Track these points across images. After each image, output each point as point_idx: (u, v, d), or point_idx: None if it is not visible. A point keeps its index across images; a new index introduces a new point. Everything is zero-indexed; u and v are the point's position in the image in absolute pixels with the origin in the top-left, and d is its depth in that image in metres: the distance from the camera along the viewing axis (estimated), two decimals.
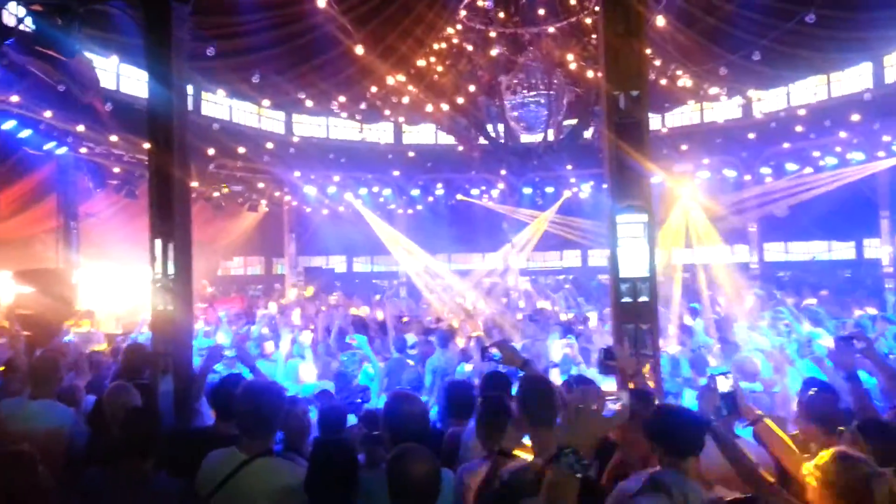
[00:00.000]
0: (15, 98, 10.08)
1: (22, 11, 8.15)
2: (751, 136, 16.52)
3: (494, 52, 13.76)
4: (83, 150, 12.83)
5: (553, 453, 1.72)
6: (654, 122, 18.04)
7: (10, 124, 10.27)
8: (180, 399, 4.54)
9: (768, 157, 16.79)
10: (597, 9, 9.46)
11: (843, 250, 21.11)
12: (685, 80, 13.72)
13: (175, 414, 4.43)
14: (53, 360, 4.44)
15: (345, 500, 2.75)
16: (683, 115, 18.76)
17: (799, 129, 15.48)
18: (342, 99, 14.38)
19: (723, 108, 18.06)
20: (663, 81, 13.69)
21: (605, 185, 5.92)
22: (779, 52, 11.71)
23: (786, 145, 16.17)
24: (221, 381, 4.15)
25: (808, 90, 16.67)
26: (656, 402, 3.48)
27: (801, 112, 15.69)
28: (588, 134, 15.91)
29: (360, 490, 2.81)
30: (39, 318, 8.63)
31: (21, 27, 7.93)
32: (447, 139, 18.53)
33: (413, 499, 2.51)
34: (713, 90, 14.47)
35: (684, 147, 17.07)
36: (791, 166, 16.49)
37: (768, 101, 16.94)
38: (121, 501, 3.05)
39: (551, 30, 13.46)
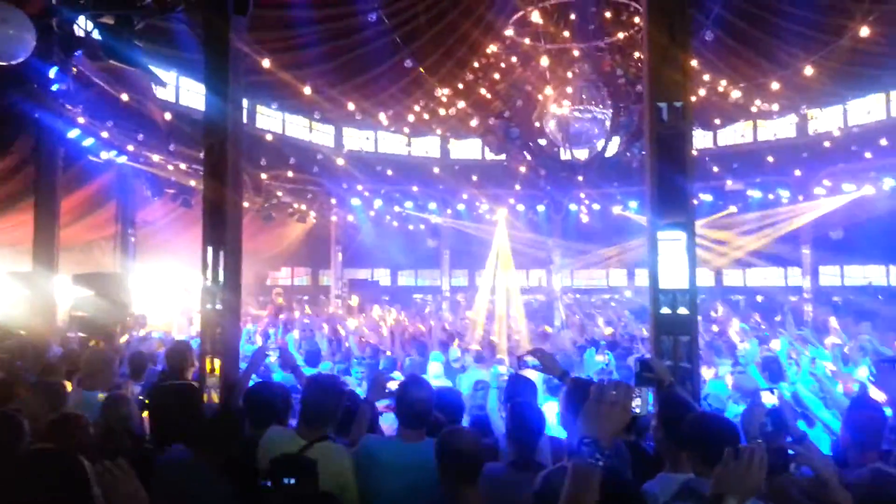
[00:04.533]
0: (80, 108, 10.57)
1: (90, 25, 8.60)
2: (804, 155, 16.13)
3: (543, 66, 13.80)
4: (142, 159, 13.33)
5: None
6: (706, 139, 17.78)
7: (74, 133, 10.75)
8: (225, 402, 4.68)
9: (823, 176, 16.34)
10: None
11: None
12: (736, 96, 13.52)
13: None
14: (104, 355, 4.63)
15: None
16: (735, 134, 18.44)
17: (854, 148, 15.05)
18: (390, 112, 14.62)
19: (776, 127, 17.70)
20: (714, 98, 13.53)
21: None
22: (832, 67, 11.46)
23: (841, 165, 15.72)
24: (256, 387, 4.27)
25: (864, 108, 16.22)
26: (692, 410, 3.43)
27: (856, 131, 15.26)
28: (634, 152, 15.78)
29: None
30: (95, 320, 9.00)
31: (90, 38, 8.36)
32: (493, 155, 18.63)
33: (461, 470, 2.78)
34: (765, 107, 14.20)
35: (735, 165, 16.76)
36: (848, 186, 16.02)
37: (823, 119, 16.53)
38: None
39: (602, 44, 13.45)
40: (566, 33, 13.53)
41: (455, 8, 11.71)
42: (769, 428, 3.15)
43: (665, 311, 4.64)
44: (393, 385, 4.28)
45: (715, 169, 16.27)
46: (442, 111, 14.64)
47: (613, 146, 15.33)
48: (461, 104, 14.26)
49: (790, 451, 2.79)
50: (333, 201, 18.87)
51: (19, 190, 11.55)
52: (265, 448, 3.29)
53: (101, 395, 4.35)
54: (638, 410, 1.86)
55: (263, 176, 15.82)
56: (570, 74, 14.04)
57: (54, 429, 3.22)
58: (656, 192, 4.92)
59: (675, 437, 2.97)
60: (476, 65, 13.54)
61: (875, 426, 3.33)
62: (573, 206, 19.78)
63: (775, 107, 14.24)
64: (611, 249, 19.91)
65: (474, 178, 19.15)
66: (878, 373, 3.77)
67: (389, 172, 18.28)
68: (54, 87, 9.50)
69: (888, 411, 3.65)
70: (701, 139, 16.82)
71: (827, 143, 15.80)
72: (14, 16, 4.43)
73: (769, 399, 3.28)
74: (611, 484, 1.84)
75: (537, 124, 15.37)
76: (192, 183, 14.38)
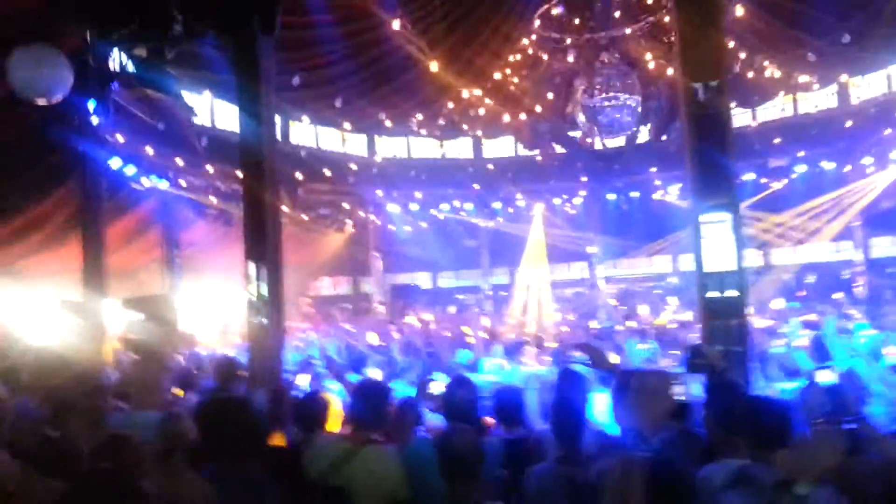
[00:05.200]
0: (120, 138, 10.86)
1: (124, 58, 8.84)
2: (848, 124, 15.61)
3: (571, 58, 13.68)
4: (182, 182, 13.64)
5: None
6: (745, 117, 17.33)
7: (116, 162, 11.05)
8: (272, 412, 4.73)
9: (869, 145, 15.79)
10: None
11: None
12: (773, 71, 13.17)
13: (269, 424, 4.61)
14: (155, 373, 4.73)
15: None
16: (775, 109, 17.93)
17: None
18: (420, 117, 14.66)
19: (817, 98, 17.16)
20: (750, 74, 13.20)
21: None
22: (871, 33, 11.06)
23: (888, 132, 15.16)
24: (303, 396, 4.32)
25: None
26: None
27: None
28: (671, 137, 15.52)
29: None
30: (147, 342, 9.19)
31: (124, 72, 8.59)
32: (526, 151, 18.50)
33: (461, 471, 2.76)
34: (803, 79, 13.79)
35: (777, 140, 16.30)
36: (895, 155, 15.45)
37: (866, 87, 15.98)
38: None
39: (628, 31, 13.27)
40: (591, 23, 13.41)
41: (480, 4, 11.67)
42: (829, 408, 3.05)
43: (712, 294, 4.54)
44: (436, 386, 4.30)
45: (756, 147, 15.87)
46: (472, 112, 14.62)
47: (646, 132, 15.10)
48: (489, 102, 14.22)
49: (858, 433, 2.68)
50: (370, 209, 19.00)
51: (66, 221, 11.91)
52: (313, 454, 3.37)
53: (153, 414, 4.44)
54: (683, 397, 1.80)
55: (300, 190, 16.02)
56: (597, 64, 13.89)
57: (103, 451, 3.28)
58: (697, 174, 4.83)
59: (729, 422, 2.89)
60: (503, 61, 13.48)
61: None
62: (611, 196, 19.54)
63: (815, 78, 13.82)
64: (656, 244, 19.58)
65: (509, 174, 19.07)
66: None
67: (423, 177, 18.33)
68: (94, 120, 9.82)
69: None
70: (739, 117, 16.41)
71: (872, 110, 15.27)
72: (51, 56, 4.57)
73: (827, 377, 3.16)
74: (661, 473, 1.79)
75: (569, 115, 15.26)
76: (232, 202, 14.65)
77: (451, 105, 14.34)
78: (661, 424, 1.75)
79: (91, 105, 9.19)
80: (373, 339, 10.55)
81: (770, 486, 1.88)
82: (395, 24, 10.51)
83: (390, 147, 19.31)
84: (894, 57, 13.86)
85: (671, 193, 18.86)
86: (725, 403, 2.98)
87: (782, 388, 5.29)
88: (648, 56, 13.34)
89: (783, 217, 16.96)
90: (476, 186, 19.01)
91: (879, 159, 15.73)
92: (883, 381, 4.81)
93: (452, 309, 18.55)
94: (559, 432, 3.23)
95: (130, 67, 8.95)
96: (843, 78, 14.63)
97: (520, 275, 19.74)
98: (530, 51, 13.94)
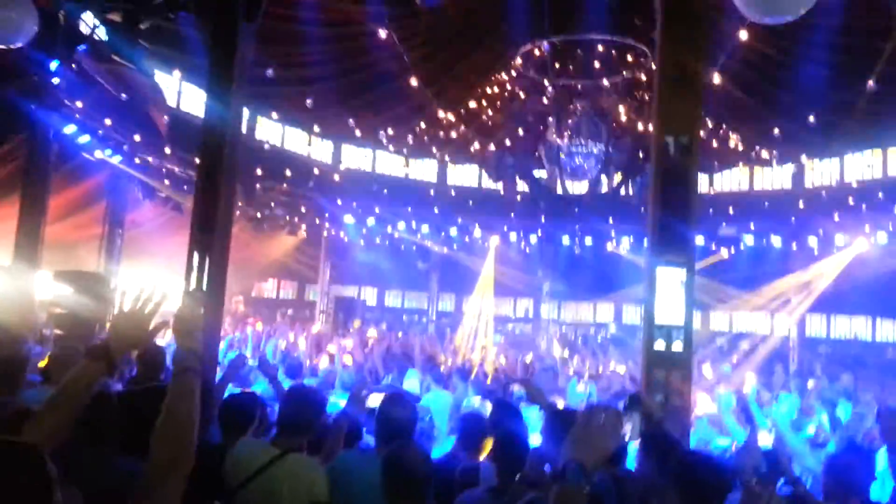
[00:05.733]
0: (79, 104, 10.46)
1: (97, 23, 8.55)
2: (801, 205, 16.22)
3: (546, 100, 13.89)
4: (137, 160, 13.21)
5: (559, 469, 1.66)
6: (703, 183, 17.87)
7: (70, 129, 10.62)
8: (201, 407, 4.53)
9: (817, 227, 16.42)
10: (653, 66, 9.50)
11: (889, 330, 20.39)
12: (736, 142, 13.62)
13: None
14: (71, 352, 4.48)
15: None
16: (732, 180, 18.54)
17: (850, 201, 15.14)
18: (391, 132, 14.62)
19: (773, 175, 17.81)
20: (714, 143, 13.61)
21: (646, 241, 5.80)
22: (832, 121, 11.56)
23: (836, 218, 15.81)
24: (232, 397, 4.14)
25: (861, 164, 16.36)
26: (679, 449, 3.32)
27: (854, 185, 15.38)
28: (631, 190, 15.85)
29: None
30: (73, 318, 8.79)
31: (94, 36, 8.29)
32: (490, 183, 18.64)
33: (409, 493, 2.69)
34: (764, 154, 14.30)
35: (731, 210, 16.82)
36: (840, 239, 16.10)
37: (819, 174, 16.67)
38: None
39: (605, 82, 13.55)
40: (570, 69, 13.65)
41: (466, 34, 11.76)
42: (764, 469, 3.05)
43: (659, 345, 4.56)
44: (374, 400, 4.18)
45: (710, 212, 16.33)
46: (442, 133, 14.66)
47: (607, 183, 15.39)
48: (462, 128, 14.30)
49: (795, 496, 2.68)
50: (326, 216, 18.75)
51: (6, 183, 11.38)
52: (235, 457, 3.21)
53: None
54: (627, 437, 1.76)
55: (258, 186, 15.71)
56: (570, 108, 14.15)
57: (10, 424, 3.07)
58: (658, 227, 4.86)
59: (663, 472, 2.86)
60: (481, 92, 13.60)
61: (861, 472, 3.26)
62: (566, 240, 19.79)
63: (774, 154, 14.35)
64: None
65: (470, 203, 19.14)
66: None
67: (385, 192, 18.22)
68: (55, 81, 9.43)
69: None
70: (698, 183, 16.88)
71: (823, 194, 15.92)
72: (17, 0, 4.35)
73: (763, 439, 3.18)
74: None
75: (536, 154, 15.45)
76: (185, 188, 14.27)
77: (423, 125, 14.35)
78: (601, 463, 1.69)
79: (53, 65, 8.85)
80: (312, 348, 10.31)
81: None
82: (382, 34, 10.46)
83: (355, 158, 19.17)
84: (849, 147, 14.51)
85: (623, 246, 19.23)
86: (661, 453, 2.96)
87: (715, 445, 5.35)
88: (621, 109, 13.64)
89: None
90: (436, 210, 19.00)
91: (825, 242, 16.37)
92: (802, 451, 4.92)
93: (383, 327, 18.35)
94: (500, 462, 3.16)
95: (102, 34, 8.66)
96: (803, 158, 15.21)
97: (470, 303, 19.80)
98: (508, 87, 14.10)
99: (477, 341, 16.33)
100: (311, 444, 3.48)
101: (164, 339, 9.26)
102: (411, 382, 6.95)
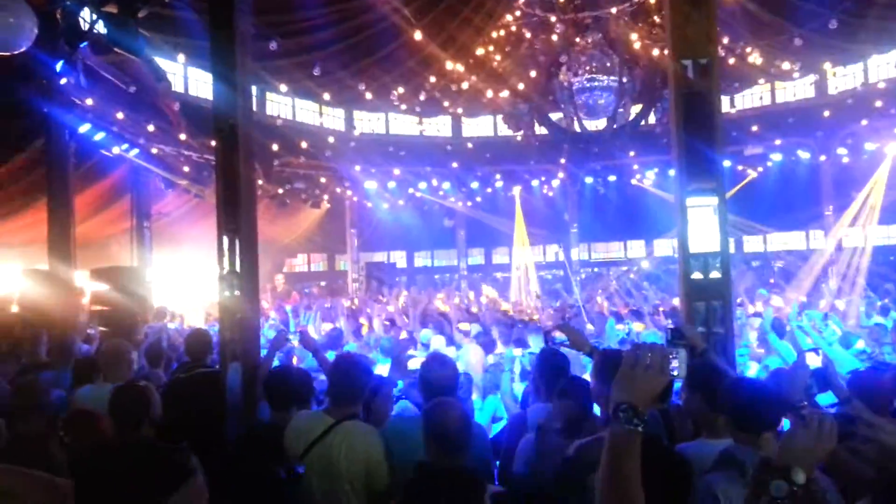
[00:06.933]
0: (89, 101, 10.49)
1: (95, 17, 8.48)
2: (826, 114, 15.74)
3: (555, 36, 13.51)
4: (154, 150, 13.27)
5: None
6: (724, 104, 17.39)
7: (85, 128, 10.68)
8: (247, 386, 4.61)
9: (845, 136, 15.95)
10: None
11: None
12: (755, 57, 13.16)
13: (243, 400, 4.50)
14: (118, 346, 4.58)
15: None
16: (754, 96, 18.04)
17: (878, 104, 14.63)
18: (401, 91, 14.41)
19: (795, 88, 17.28)
20: (732, 60, 13.17)
21: (671, 172, 5.67)
22: (853, 23, 11.09)
23: (864, 122, 15.32)
24: (274, 371, 4.21)
25: (887, 64, 15.74)
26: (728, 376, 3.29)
27: (881, 86, 14.82)
28: (652, 119, 15.48)
29: None
30: (115, 314, 8.98)
31: (94, 31, 8.24)
32: (506, 131, 18.39)
33: (448, 446, 2.71)
34: (785, 66, 13.80)
35: (755, 128, 16.39)
36: (870, 146, 15.64)
37: (844, 78, 16.10)
38: None
39: (614, 11, 13.13)
40: (577, 2, 13.23)
41: None
42: (815, 390, 3.01)
43: (696, 275, 4.48)
44: (414, 363, 4.21)
45: (733, 135, 15.94)
46: (454, 87, 14.40)
47: (625, 114, 15.03)
48: (472, 77, 14.02)
49: (848, 417, 2.64)
50: (347, 185, 18.76)
51: (32, 188, 11.53)
52: (294, 429, 3.30)
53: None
54: (676, 373, 1.72)
55: (276, 162, 15.73)
56: (580, 44, 13.76)
57: (67, 427, 3.17)
58: (684, 155, 4.72)
59: (712, 403, 2.84)
60: (486, 37, 13.28)
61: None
62: (589, 180, 19.53)
63: (796, 66, 13.83)
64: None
65: (488, 154, 18.95)
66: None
67: (402, 154, 18.12)
68: (62, 81, 9.45)
69: None
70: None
71: (849, 101, 15.41)
72: (14, 4, 4.32)
73: (812, 360, 3.13)
74: (652, 452, 1.71)
75: (550, 98, 15.13)
76: (205, 174, 14.32)
77: (433, 79, 14.11)
78: (650, 403, 1.66)
79: (59, 65, 8.86)
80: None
81: (756, 468, 1.81)
82: None
83: (369, 122, 19.05)
84: (874, 48, 13.94)
85: (648, 178, 18.93)
86: (708, 384, 2.94)
87: (764, 363, 5.30)
88: (634, 36, 13.21)
89: None
90: (454, 165, 18.87)
91: (853, 150, 15.92)
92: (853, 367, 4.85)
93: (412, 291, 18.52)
94: (567, 406, 3.14)
95: (101, 27, 8.61)
96: (826, 66, 14.68)
97: (515, 256, 19.95)
98: (514, 28, 13.75)
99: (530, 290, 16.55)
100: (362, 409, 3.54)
101: (206, 323, 9.41)
102: (437, 340, 6.96)
